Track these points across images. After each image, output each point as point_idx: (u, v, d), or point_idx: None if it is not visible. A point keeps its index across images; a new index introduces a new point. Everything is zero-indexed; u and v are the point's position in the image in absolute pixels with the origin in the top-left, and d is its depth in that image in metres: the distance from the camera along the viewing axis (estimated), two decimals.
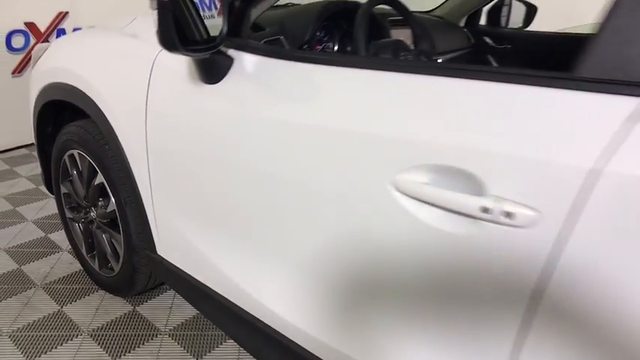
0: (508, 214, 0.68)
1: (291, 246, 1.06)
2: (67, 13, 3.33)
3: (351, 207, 0.90)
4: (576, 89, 0.66)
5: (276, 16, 1.51)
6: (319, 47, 1.58)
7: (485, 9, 2.29)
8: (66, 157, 1.79)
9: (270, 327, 1.14)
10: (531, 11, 2.24)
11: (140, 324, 1.69)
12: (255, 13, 1.22)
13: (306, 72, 1.00)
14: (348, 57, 1.41)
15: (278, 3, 1.37)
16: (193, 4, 1.03)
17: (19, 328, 1.67)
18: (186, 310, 1.75)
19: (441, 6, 2.30)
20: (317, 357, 1.05)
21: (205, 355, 1.55)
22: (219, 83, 1.11)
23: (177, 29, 0.96)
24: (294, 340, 1.09)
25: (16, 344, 1.59)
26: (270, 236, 1.11)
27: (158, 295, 1.83)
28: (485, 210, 0.70)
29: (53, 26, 3.28)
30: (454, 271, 0.77)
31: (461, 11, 2.27)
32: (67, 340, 1.62)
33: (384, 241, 0.86)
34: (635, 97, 0.61)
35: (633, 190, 0.59)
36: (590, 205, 0.62)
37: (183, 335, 1.63)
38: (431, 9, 2.32)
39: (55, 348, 1.59)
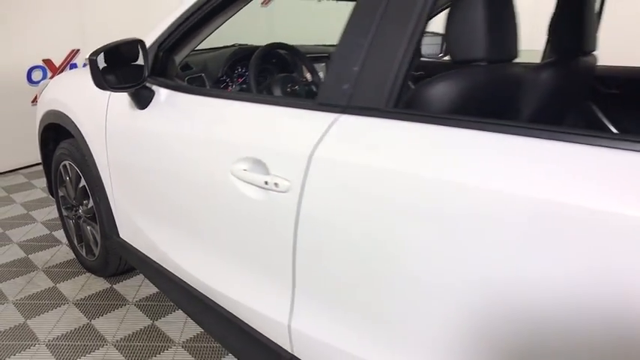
0: (276, 184, 1.13)
1: (195, 223, 1.52)
2: (78, 50, 3.94)
3: (206, 188, 1.35)
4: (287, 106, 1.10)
5: (201, 58, 2.01)
6: (231, 83, 2.06)
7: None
8: (61, 167, 2.31)
9: (188, 284, 1.58)
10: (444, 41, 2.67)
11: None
12: (177, 58, 1.71)
13: (190, 100, 1.47)
14: (214, 90, 1.88)
15: (205, 47, 1.87)
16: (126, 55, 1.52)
17: (21, 298, 2.17)
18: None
19: None
20: (214, 302, 1.49)
21: None
22: (146, 109, 1.60)
23: (110, 72, 1.46)
24: (199, 289, 1.53)
25: (17, 308, 2.09)
26: (181, 217, 1.57)
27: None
28: (266, 182, 1.15)
29: (66, 62, 3.90)
30: (256, 222, 1.22)
31: None
32: (56, 307, 2.11)
33: (225, 208, 1.31)
34: (327, 112, 1.06)
35: (328, 168, 1.03)
36: (309, 179, 1.06)
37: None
38: None
39: (46, 312, 2.08)
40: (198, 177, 1.40)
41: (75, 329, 1.98)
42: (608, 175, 0.72)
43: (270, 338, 1.29)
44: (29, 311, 2.08)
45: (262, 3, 4.49)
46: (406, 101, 1.08)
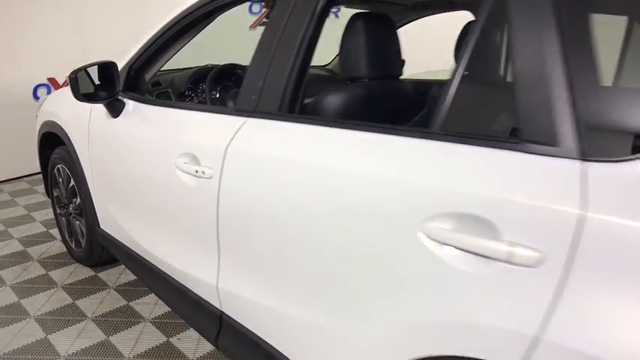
0: (203, 172, 1.45)
1: (150, 209, 1.84)
2: None
3: (158, 179, 1.68)
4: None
5: (171, 76, 2.37)
6: (195, 97, 2.41)
7: None
8: (55, 170, 2.67)
9: (164, 272, 1.89)
10: None
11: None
12: (147, 76, 2.07)
13: (151, 110, 1.82)
14: (167, 102, 2.20)
15: (173, 67, 2.24)
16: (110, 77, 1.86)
17: (17, 282, 2.50)
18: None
19: (332, 61, 3.11)
20: (166, 274, 1.80)
21: None
22: (118, 117, 1.94)
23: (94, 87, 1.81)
24: (165, 271, 1.84)
25: (13, 290, 2.42)
26: (141, 205, 1.89)
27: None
28: (196, 171, 1.47)
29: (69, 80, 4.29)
30: (192, 203, 1.54)
31: None
32: (46, 290, 2.44)
33: (171, 194, 1.64)
34: (240, 117, 1.39)
35: (237, 158, 1.35)
36: (225, 167, 1.39)
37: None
38: (326, 63, 3.13)
39: (37, 294, 2.41)
40: (152, 170, 1.73)
41: (60, 307, 2.30)
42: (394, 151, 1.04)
43: (205, 299, 1.61)
44: (23, 293, 2.41)
45: (250, 27, 4.89)
46: (310, 109, 1.42)
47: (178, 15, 1.79)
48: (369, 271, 1.05)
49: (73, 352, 1.98)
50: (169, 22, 1.82)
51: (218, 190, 1.42)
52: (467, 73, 0.97)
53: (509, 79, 0.92)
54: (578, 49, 0.82)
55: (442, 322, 0.92)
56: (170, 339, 2.07)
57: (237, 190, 1.38)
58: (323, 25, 1.35)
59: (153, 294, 2.37)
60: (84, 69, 1.83)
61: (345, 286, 1.13)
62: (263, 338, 1.40)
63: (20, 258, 2.77)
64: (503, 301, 0.83)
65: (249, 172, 1.33)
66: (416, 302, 0.96)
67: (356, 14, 1.46)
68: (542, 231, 0.78)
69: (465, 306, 0.88)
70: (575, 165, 0.78)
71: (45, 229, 3.16)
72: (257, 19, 4.90)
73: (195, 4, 1.72)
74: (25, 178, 4.23)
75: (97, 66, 1.86)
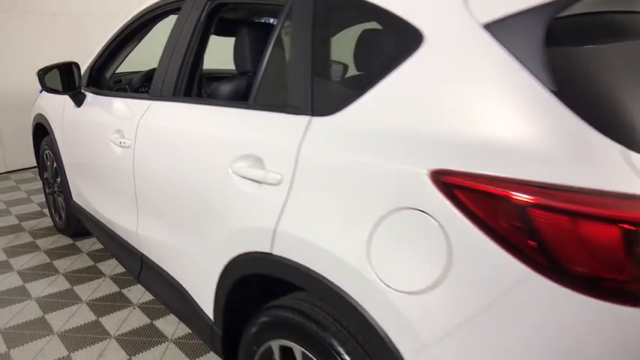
0: (124, 143, 1.90)
1: (96, 177, 2.31)
2: None
3: (100, 151, 2.14)
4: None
5: (130, 76, 2.85)
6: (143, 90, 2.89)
7: None
8: (44, 155, 3.18)
9: (109, 228, 2.36)
10: None
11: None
12: (108, 74, 2.55)
13: (102, 100, 2.29)
14: (111, 92, 2.60)
15: (133, 70, 2.72)
16: (70, 74, 2.35)
17: (9, 247, 3.01)
18: None
19: None
20: (112, 230, 2.26)
21: None
22: (81, 107, 2.42)
23: (58, 81, 2.29)
24: (115, 231, 2.30)
25: (4, 252, 2.93)
26: (91, 175, 2.36)
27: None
28: (121, 142, 1.93)
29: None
30: (119, 168, 2.00)
31: None
32: (31, 252, 2.94)
33: (107, 163, 2.10)
34: (149, 100, 1.84)
35: (145, 131, 1.80)
36: (137, 138, 1.84)
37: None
38: None
39: (23, 255, 2.90)
40: (96, 146, 2.20)
41: (40, 264, 2.79)
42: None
43: (132, 244, 2.05)
44: (12, 254, 2.91)
45: None
46: (208, 94, 1.86)
47: (124, 24, 2.27)
48: (208, 201, 1.48)
49: (45, 295, 2.46)
50: (117, 31, 2.30)
51: (133, 156, 1.88)
52: (265, 68, 1.40)
53: (285, 72, 1.35)
54: (319, 57, 1.24)
55: (244, 228, 1.33)
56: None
57: (143, 154, 1.82)
58: (210, 30, 1.79)
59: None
60: (51, 68, 2.32)
61: (196, 214, 1.55)
62: (163, 268, 1.83)
63: (14, 229, 3.29)
64: (265, 208, 1.25)
65: (149, 140, 1.78)
66: (231, 217, 1.38)
67: (241, 26, 1.89)
68: (282, 162, 1.20)
69: (253, 216, 1.30)
70: (307, 119, 1.20)
71: (40, 209, 3.68)
72: None
73: (135, 15, 2.20)
74: (32, 169, 4.80)
75: (62, 65, 2.34)
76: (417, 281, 0.91)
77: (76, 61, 2.39)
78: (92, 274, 2.70)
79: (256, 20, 2.32)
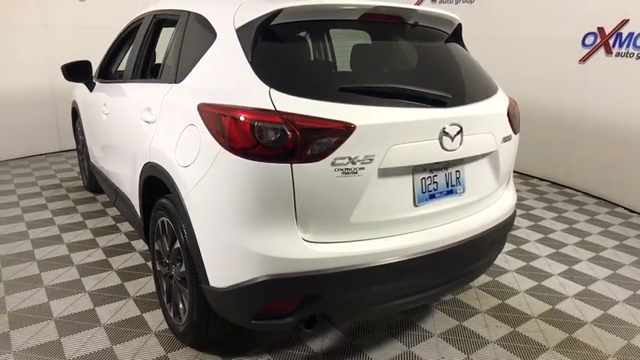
0: (108, 114, 2.90)
1: (100, 141, 3.33)
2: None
3: (101, 121, 3.15)
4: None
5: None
6: None
7: None
8: (76, 131, 4.30)
9: (104, 174, 3.38)
10: None
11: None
12: (113, 68, 3.59)
13: (107, 85, 3.31)
14: (111, 80, 3.61)
15: None
16: (85, 68, 3.40)
17: (50, 195, 4.13)
18: None
19: None
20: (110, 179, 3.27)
21: None
22: (92, 91, 3.47)
23: (75, 73, 3.35)
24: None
25: (45, 200, 4.05)
26: (98, 139, 3.39)
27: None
28: (105, 114, 2.93)
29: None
30: (107, 130, 3.00)
31: None
32: (66, 209, 4.05)
33: (104, 128, 3.11)
34: (119, 82, 2.83)
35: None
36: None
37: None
38: None
39: (61, 212, 4.01)
40: (96, 117, 3.23)
41: (75, 222, 3.87)
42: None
43: (112, 181, 3.04)
44: (50, 199, 4.02)
45: None
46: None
47: (118, 34, 3.30)
48: (133, 137, 2.41)
49: (74, 241, 3.51)
50: (118, 35, 3.33)
51: (108, 120, 2.87)
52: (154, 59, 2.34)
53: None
54: (181, 52, 2.15)
55: (143, 149, 2.26)
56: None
57: (112, 118, 2.82)
58: (156, 36, 2.75)
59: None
60: (72, 63, 3.38)
61: (132, 148, 2.47)
62: (122, 190, 2.79)
63: (55, 187, 4.43)
64: (148, 136, 2.18)
65: (114, 107, 2.78)
66: (140, 143, 2.31)
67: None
68: (156, 108, 2.14)
69: (146, 141, 2.23)
70: (171, 85, 2.10)
71: (76, 175, 4.83)
72: None
73: (124, 27, 3.22)
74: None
75: (80, 62, 3.39)
76: (188, 160, 1.79)
77: (88, 59, 3.45)
78: (114, 292, 3.73)
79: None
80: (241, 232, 1.63)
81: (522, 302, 2.65)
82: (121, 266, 2.91)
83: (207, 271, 1.76)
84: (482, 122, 1.93)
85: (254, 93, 1.63)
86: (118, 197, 2.96)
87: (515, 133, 2.16)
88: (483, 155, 1.98)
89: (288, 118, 1.56)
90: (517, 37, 5.18)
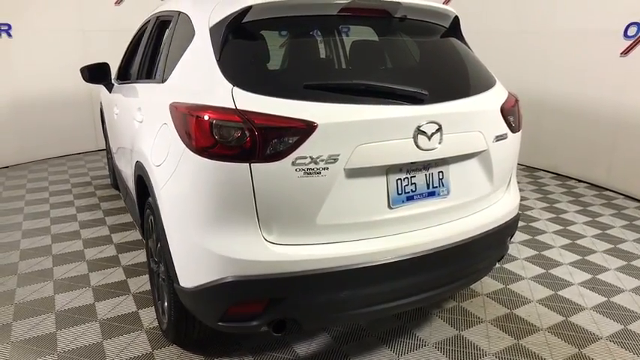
0: (116, 112, 2.98)
1: (117, 136, 3.43)
2: None
3: (116, 120, 3.25)
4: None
5: None
6: None
7: None
8: (104, 130, 4.47)
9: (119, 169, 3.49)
10: None
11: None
12: (128, 70, 3.70)
13: (124, 86, 3.42)
14: (126, 81, 3.70)
15: None
16: (103, 70, 3.53)
17: (79, 193, 4.32)
18: None
19: None
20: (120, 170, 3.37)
21: None
22: (111, 92, 3.59)
23: (94, 76, 3.48)
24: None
25: (73, 196, 4.24)
26: (115, 134, 3.50)
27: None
28: (115, 113, 3.01)
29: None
30: (120, 129, 3.08)
31: None
32: (88, 197, 4.22)
33: (118, 125, 3.20)
34: (128, 84, 2.90)
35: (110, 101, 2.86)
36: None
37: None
38: None
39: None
40: (112, 115, 3.32)
41: (92, 207, 4.03)
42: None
43: (124, 177, 3.12)
44: (77, 196, 4.21)
45: None
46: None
47: (135, 32, 3.38)
48: (129, 134, 2.45)
49: (91, 238, 3.66)
50: (132, 37, 3.42)
51: (119, 118, 2.95)
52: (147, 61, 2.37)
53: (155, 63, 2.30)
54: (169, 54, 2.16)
55: (134, 147, 2.30)
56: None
57: (120, 116, 2.88)
58: (161, 36, 2.79)
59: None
60: (90, 66, 3.50)
61: (130, 144, 2.52)
62: (128, 186, 2.86)
63: (85, 184, 4.63)
64: (137, 135, 2.21)
65: (120, 106, 2.84)
66: (133, 142, 2.34)
67: None
68: (144, 108, 2.15)
69: (136, 140, 2.26)
70: (159, 84, 2.12)
71: (107, 173, 5.02)
72: None
73: (135, 32, 3.29)
74: None
75: (99, 64, 3.51)
76: (160, 159, 1.79)
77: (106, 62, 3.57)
78: (116, 288, 3.86)
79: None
80: (204, 232, 1.61)
81: (532, 313, 2.47)
82: (128, 263, 2.98)
83: (176, 271, 1.75)
84: (468, 119, 1.80)
85: (217, 92, 1.61)
86: (127, 195, 3.04)
87: (514, 132, 2.00)
88: (471, 155, 1.85)
89: (247, 117, 1.51)
90: (554, 28, 4.87)
